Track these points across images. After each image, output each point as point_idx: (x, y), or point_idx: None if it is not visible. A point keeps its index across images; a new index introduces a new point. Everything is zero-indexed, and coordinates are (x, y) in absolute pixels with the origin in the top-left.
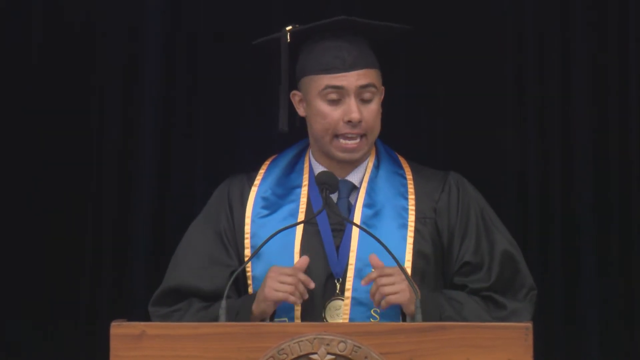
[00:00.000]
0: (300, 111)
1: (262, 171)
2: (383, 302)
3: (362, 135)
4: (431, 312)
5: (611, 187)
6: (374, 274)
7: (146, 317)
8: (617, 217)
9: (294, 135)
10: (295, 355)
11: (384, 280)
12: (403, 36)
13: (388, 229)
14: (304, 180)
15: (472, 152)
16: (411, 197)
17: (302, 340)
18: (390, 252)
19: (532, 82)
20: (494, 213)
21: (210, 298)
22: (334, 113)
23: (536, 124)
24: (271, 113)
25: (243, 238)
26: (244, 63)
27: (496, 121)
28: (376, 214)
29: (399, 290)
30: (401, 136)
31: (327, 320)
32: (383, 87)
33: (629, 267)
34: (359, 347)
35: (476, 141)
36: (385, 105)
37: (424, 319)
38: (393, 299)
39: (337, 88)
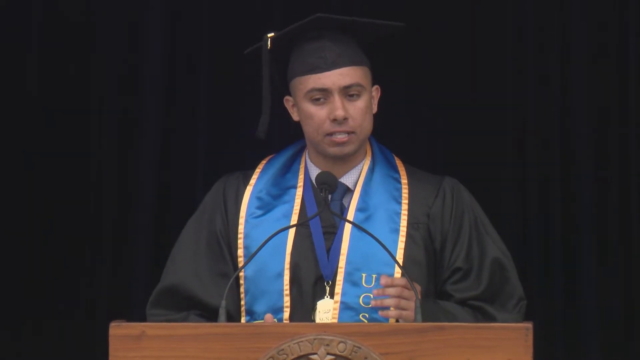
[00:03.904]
0: (294, 116)
1: (258, 170)
2: (387, 313)
3: (351, 132)
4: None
5: (611, 187)
6: (401, 281)
7: (145, 318)
8: (617, 217)
9: (292, 138)
10: (295, 356)
11: (406, 293)
12: (396, 34)
13: (379, 234)
14: (299, 181)
15: (472, 152)
16: (405, 201)
17: (302, 341)
18: (388, 250)
19: (532, 82)
20: (489, 221)
21: (206, 306)
22: (320, 112)
23: (536, 124)
24: (272, 115)
25: (236, 238)
26: (244, 65)
27: (496, 121)
28: (368, 218)
29: (409, 308)
30: (401, 137)
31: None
32: (377, 86)
33: (629, 267)
34: (359, 348)
35: (476, 141)
36: (383, 105)
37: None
38: (395, 314)
39: (321, 90)
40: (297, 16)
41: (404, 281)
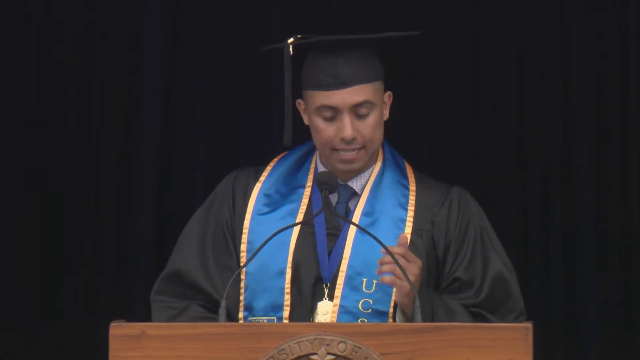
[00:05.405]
0: (305, 120)
1: (269, 168)
2: (383, 278)
3: (360, 148)
4: (424, 310)
5: (611, 187)
6: (400, 250)
7: (146, 317)
8: (617, 217)
9: (301, 137)
10: (295, 356)
11: (402, 261)
12: (410, 41)
13: (383, 239)
14: (308, 181)
15: (473, 152)
16: (411, 208)
17: (302, 341)
18: (389, 252)
19: (532, 82)
20: (495, 234)
21: (209, 296)
22: (329, 129)
23: (537, 123)
24: (272, 116)
25: (241, 232)
26: (245, 66)
27: (497, 121)
28: (373, 223)
29: (404, 278)
30: (401, 136)
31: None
32: (390, 93)
33: (629, 267)
34: (359, 348)
35: (476, 141)
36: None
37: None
38: (390, 280)
39: (330, 107)
40: (297, 16)
41: (401, 250)
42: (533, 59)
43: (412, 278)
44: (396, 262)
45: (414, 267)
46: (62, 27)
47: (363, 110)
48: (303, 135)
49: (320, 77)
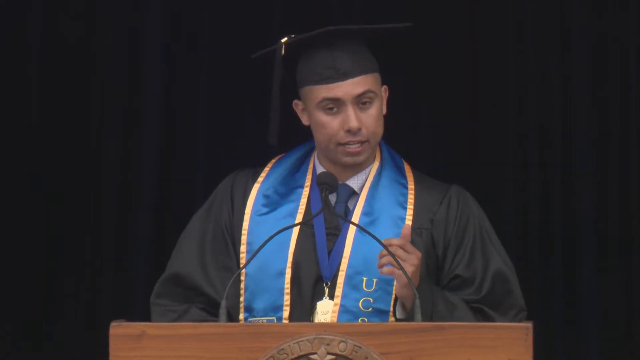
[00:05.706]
0: (304, 120)
1: (266, 169)
2: (383, 270)
3: (364, 141)
4: (424, 303)
5: (611, 187)
6: (399, 241)
7: (146, 317)
8: (617, 217)
9: (300, 138)
10: (295, 355)
11: (400, 252)
12: (404, 34)
13: (382, 238)
14: (306, 181)
15: (473, 152)
16: (410, 207)
17: (302, 340)
18: (389, 252)
19: (532, 82)
20: (494, 232)
21: (209, 298)
22: (333, 123)
23: (537, 122)
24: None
25: (240, 234)
26: (245, 66)
27: (497, 121)
28: (372, 222)
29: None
30: (401, 136)
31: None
32: (385, 87)
33: (629, 267)
34: (359, 347)
35: (477, 141)
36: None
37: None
38: (388, 270)
39: (334, 99)
40: (297, 16)
41: (400, 242)
42: (533, 59)
43: (411, 269)
44: (391, 255)
45: (413, 258)
46: (62, 27)
47: (366, 100)
48: (299, 137)
49: (320, 71)
